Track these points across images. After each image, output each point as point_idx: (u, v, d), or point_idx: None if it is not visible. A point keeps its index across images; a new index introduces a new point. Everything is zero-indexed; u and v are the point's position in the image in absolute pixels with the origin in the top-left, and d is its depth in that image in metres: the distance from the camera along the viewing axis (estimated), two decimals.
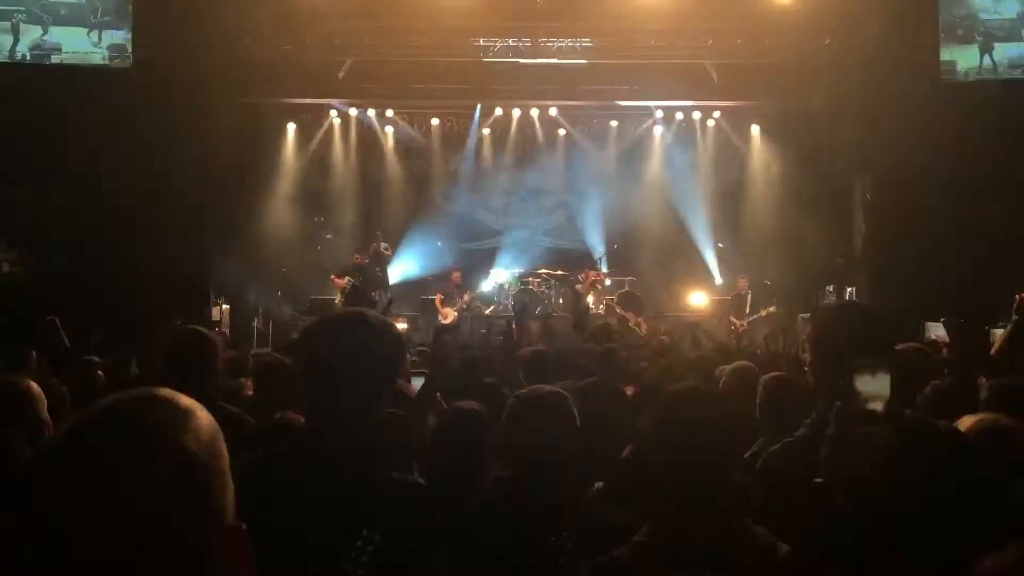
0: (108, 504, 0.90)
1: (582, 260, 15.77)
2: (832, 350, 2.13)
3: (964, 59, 12.92)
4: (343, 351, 1.86)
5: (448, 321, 13.59)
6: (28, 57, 12.74)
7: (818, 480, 1.70)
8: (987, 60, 12.88)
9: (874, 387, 1.69)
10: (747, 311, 13.48)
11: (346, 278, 13.61)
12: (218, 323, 13.32)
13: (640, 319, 12.89)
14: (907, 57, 12.79)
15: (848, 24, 13.08)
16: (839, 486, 1.67)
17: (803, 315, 14.12)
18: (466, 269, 15.65)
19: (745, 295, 13.68)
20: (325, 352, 1.87)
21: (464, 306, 14.04)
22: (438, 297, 13.99)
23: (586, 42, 14.05)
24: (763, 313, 13.23)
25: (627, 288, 13.61)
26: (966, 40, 12.92)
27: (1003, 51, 12.88)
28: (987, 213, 12.50)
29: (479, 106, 15.79)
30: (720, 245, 15.76)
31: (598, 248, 15.84)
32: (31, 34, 12.73)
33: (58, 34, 12.77)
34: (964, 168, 12.00)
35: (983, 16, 12.94)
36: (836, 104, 13.83)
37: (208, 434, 0.99)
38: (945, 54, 12.92)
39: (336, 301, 13.29)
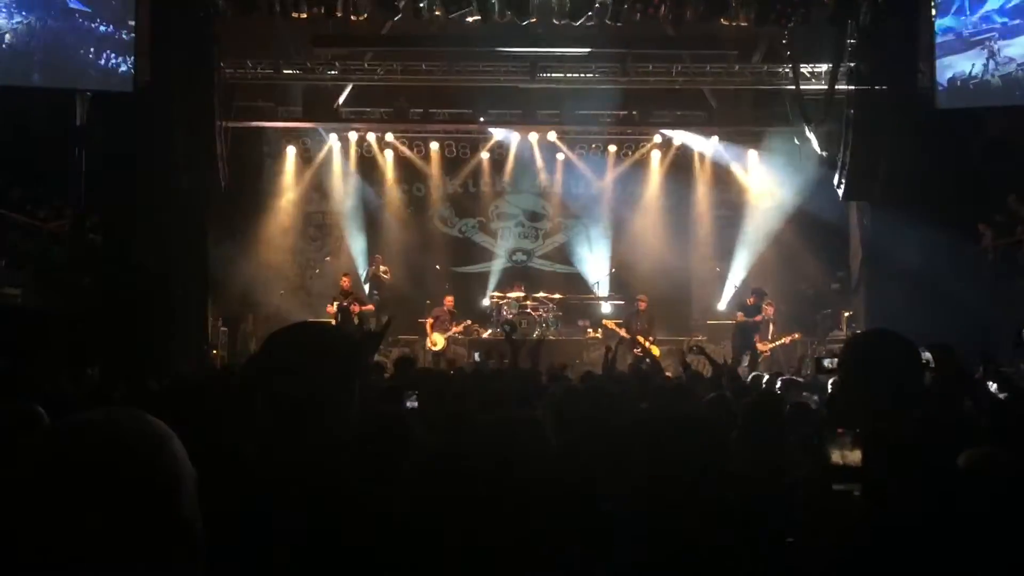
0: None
1: (579, 284, 15.87)
2: (863, 381, 2.18)
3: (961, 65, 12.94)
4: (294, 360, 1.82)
5: (436, 348, 13.56)
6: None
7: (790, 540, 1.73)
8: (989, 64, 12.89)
9: (849, 459, 1.73)
10: (771, 336, 13.26)
11: (335, 303, 13.60)
12: (216, 346, 13.36)
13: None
14: (903, 84, 12.93)
15: (845, 51, 13.22)
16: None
17: (802, 339, 14.23)
18: (463, 292, 15.72)
19: (770, 320, 13.39)
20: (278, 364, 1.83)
21: (454, 335, 14.04)
22: (429, 321, 13.98)
23: (586, 68, 14.16)
24: (787, 340, 13.13)
25: (639, 309, 13.64)
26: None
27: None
28: (981, 239, 12.61)
29: (477, 130, 15.91)
30: (717, 269, 15.83)
31: (595, 273, 15.92)
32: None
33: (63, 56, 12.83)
34: (959, 194, 12.11)
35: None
36: (832, 130, 13.96)
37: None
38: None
39: None
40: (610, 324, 13.70)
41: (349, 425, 1.83)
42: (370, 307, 13.93)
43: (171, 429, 1.11)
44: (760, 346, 13.02)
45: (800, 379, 7.60)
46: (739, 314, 13.53)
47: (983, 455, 2.44)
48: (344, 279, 14.09)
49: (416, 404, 4.27)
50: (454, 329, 14.00)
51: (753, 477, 2.72)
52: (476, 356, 13.27)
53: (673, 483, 1.96)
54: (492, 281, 16.03)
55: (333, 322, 13.24)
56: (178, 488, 1.06)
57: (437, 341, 13.69)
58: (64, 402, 4.57)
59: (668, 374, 8.34)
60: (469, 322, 14.42)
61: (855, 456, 1.79)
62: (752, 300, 13.45)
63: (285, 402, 1.76)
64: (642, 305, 13.79)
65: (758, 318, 13.21)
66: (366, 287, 14.80)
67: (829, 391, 5.16)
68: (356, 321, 13.27)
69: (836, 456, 1.79)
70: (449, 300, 14.33)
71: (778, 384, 6.67)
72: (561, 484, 1.88)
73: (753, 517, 2.06)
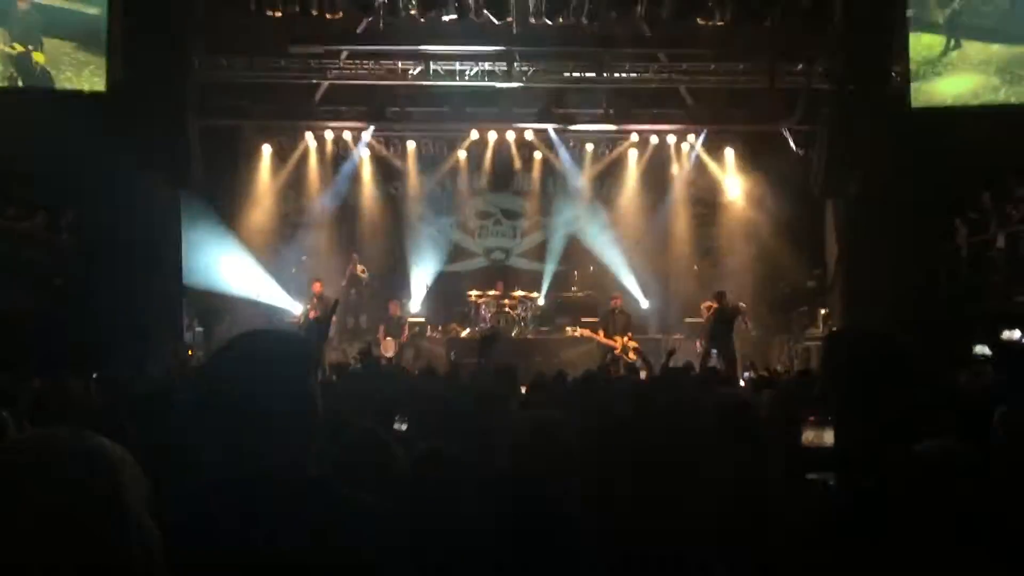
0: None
1: (558, 282, 15.88)
2: (849, 381, 2.20)
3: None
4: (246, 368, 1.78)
5: (389, 353, 13.45)
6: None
7: None
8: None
9: (821, 440, 1.74)
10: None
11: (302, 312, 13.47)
12: (192, 347, 13.24)
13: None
14: (878, 84, 13.04)
15: (820, 51, 13.32)
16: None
17: (779, 337, 14.32)
18: (441, 291, 15.69)
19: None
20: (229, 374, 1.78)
21: (412, 335, 13.96)
22: (381, 328, 13.86)
23: (563, 67, 14.16)
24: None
25: (613, 308, 13.65)
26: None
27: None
28: (955, 235, 12.75)
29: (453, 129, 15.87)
30: (695, 267, 15.89)
31: (572, 271, 15.96)
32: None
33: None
34: (933, 192, 12.22)
35: None
36: (808, 128, 14.06)
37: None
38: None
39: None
40: (585, 331, 13.67)
41: (306, 438, 1.77)
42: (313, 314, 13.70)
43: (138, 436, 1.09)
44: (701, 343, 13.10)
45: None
46: (703, 307, 13.52)
47: (942, 446, 2.46)
48: (316, 284, 13.96)
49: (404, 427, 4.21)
50: (405, 331, 13.92)
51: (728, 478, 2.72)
52: (452, 356, 13.27)
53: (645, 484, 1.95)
54: (470, 280, 15.98)
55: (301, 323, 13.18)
56: (124, 506, 1.03)
57: (390, 346, 13.59)
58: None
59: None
60: (420, 319, 14.37)
61: (828, 437, 1.80)
62: (718, 303, 13.43)
63: (234, 414, 1.72)
64: (616, 303, 13.80)
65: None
66: (343, 286, 14.71)
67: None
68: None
69: (809, 436, 1.80)
70: (393, 304, 14.18)
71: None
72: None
73: (730, 517, 2.05)
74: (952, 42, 13.21)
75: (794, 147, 13.97)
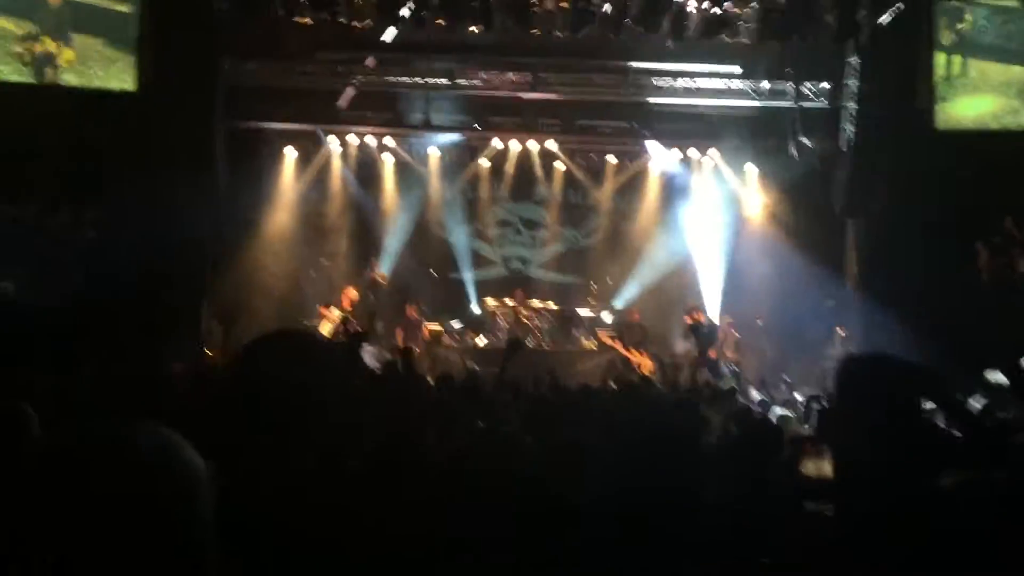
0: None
1: (576, 293, 15.87)
2: (865, 405, 2.20)
3: None
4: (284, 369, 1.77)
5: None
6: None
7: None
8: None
9: (822, 471, 1.75)
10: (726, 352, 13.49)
11: (335, 312, 13.47)
12: (211, 346, 13.33)
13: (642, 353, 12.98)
14: (901, 103, 13.00)
15: (845, 69, 13.30)
16: None
17: (795, 355, 14.25)
18: (459, 299, 15.71)
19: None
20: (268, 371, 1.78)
21: (427, 341, 13.95)
22: (399, 333, 13.87)
23: (586, 79, 14.20)
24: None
25: (631, 321, 13.67)
26: None
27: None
28: (977, 259, 12.67)
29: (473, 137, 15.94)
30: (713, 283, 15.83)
31: (592, 283, 15.93)
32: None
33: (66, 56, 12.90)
34: (955, 213, 12.16)
35: None
36: (830, 146, 14.02)
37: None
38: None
39: (324, 331, 13.27)
40: (604, 337, 13.66)
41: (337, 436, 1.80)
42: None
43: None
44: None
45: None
46: (688, 317, 13.56)
47: (963, 478, 2.46)
48: (350, 290, 13.93)
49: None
50: (426, 334, 13.91)
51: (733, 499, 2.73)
52: (468, 364, 13.27)
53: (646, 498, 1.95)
54: (488, 288, 15.99)
55: (330, 328, 13.20)
56: (192, 501, 1.04)
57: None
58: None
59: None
60: (435, 326, 14.36)
61: (826, 468, 1.81)
62: (699, 318, 13.42)
63: (269, 410, 1.71)
64: (635, 317, 13.79)
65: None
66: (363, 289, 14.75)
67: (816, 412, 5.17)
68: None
69: (810, 468, 1.81)
70: (411, 309, 14.16)
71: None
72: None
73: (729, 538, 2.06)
74: (963, 63, 13.18)
75: (817, 165, 13.92)
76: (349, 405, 1.80)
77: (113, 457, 1.01)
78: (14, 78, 12.76)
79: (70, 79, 12.92)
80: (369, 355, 12.62)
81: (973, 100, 13.23)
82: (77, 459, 1.01)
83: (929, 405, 2.76)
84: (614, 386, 10.01)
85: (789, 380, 12.75)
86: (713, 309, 15.09)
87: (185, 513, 1.04)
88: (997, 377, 8.60)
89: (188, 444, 1.08)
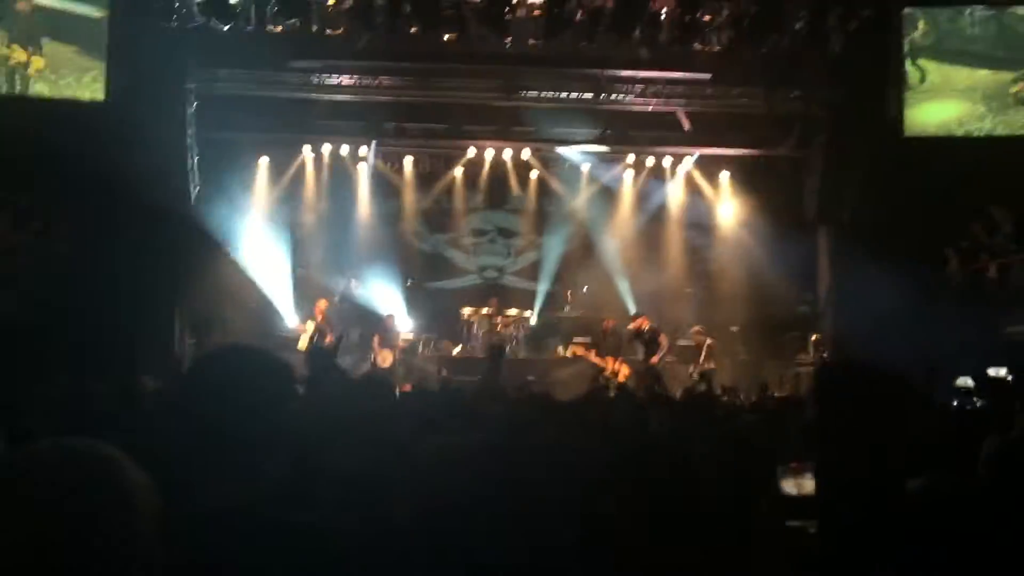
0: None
1: (551, 302, 15.88)
2: (840, 412, 2.21)
3: None
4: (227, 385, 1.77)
5: (386, 364, 13.40)
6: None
7: None
8: None
9: (803, 488, 1.75)
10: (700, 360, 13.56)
11: (309, 324, 13.37)
12: (183, 359, 13.20)
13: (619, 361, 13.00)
14: (871, 109, 13.15)
15: (817, 77, 13.42)
16: None
17: (769, 361, 14.34)
18: (434, 308, 15.67)
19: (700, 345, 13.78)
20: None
21: (402, 349, 13.91)
22: (375, 339, 13.80)
23: (561, 87, 14.24)
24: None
25: (605, 329, 13.68)
26: None
27: None
28: (947, 264, 12.83)
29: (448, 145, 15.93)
30: (688, 290, 15.91)
31: (566, 291, 15.96)
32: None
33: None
34: (925, 220, 12.30)
35: None
36: (802, 154, 14.16)
37: None
38: None
39: (300, 344, 13.18)
40: (578, 349, 13.65)
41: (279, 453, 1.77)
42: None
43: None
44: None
45: None
46: (633, 324, 13.64)
47: (933, 481, 2.47)
48: (321, 302, 13.85)
49: None
50: (400, 344, 13.88)
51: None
52: (442, 373, 13.25)
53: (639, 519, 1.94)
54: (463, 297, 15.97)
55: (305, 339, 13.11)
56: (135, 518, 1.05)
57: (387, 357, 13.55)
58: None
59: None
60: (413, 336, 14.33)
61: (808, 486, 1.80)
62: (644, 324, 13.48)
63: (210, 428, 1.71)
64: (609, 324, 13.82)
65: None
66: (336, 300, 14.66)
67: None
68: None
69: (789, 486, 1.80)
70: (390, 318, 14.09)
71: None
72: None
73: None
74: (932, 67, 13.31)
75: (788, 172, 14.05)
76: (312, 420, 1.79)
77: (57, 475, 1.03)
78: None
79: (41, 89, 12.77)
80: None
81: (937, 106, 13.37)
82: (23, 477, 1.03)
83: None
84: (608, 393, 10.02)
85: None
86: (687, 317, 15.20)
87: (126, 528, 1.04)
88: (964, 381, 8.71)
89: (129, 460, 1.09)
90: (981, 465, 3.39)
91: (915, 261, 12.19)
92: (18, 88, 12.74)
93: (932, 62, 13.35)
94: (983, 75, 13.32)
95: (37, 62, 12.69)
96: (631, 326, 13.70)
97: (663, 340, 13.20)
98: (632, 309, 14.50)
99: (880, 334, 11.60)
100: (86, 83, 12.70)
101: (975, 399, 7.56)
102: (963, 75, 13.38)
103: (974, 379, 8.45)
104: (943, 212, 12.26)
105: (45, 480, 1.02)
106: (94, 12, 12.74)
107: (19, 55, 12.63)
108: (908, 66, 13.26)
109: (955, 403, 7.28)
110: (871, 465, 2.11)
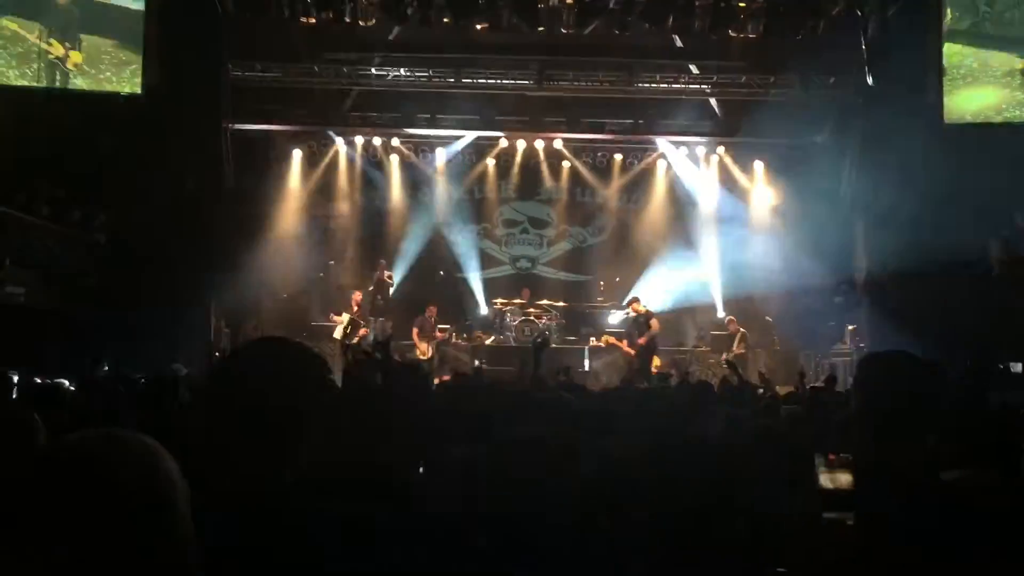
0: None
1: (583, 292, 15.84)
2: (878, 409, 2.18)
3: None
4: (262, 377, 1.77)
5: (424, 356, 13.43)
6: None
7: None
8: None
9: (839, 482, 1.72)
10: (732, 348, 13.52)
11: (344, 316, 13.47)
12: (219, 348, 13.34)
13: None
14: (911, 98, 12.92)
15: (853, 63, 13.22)
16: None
17: (805, 351, 14.18)
18: (467, 298, 15.70)
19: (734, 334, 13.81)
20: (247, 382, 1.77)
21: (439, 341, 13.91)
22: (415, 331, 13.86)
23: (593, 76, 14.18)
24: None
25: (632, 316, 13.56)
26: None
27: None
28: (987, 253, 12.58)
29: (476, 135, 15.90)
30: (720, 279, 15.77)
31: (599, 281, 15.90)
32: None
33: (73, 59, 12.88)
34: (965, 208, 12.07)
35: None
36: (838, 141, 13.95)
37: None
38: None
39: (335, 334, 13.30)
40: (610, 339, 13.57)
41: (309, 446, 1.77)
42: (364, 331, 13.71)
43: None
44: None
45: None
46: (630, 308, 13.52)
47: (968, 478, 2.42)
48: (356, 294, 13.95)
49: None
50: (439, 335, 13.91)
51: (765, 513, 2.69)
52: (476, 363, 13.27)
53: (680, 514, 1.92)
54: (495, 287, 15.98)
55: (340, 330, 13.23)
56: (173, 506, 1.07)
57: (425, 350, 13.59)
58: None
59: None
60: (449, 327, 14.34)
61: (846, 479, 1.78)
62: (637, 308, 13.30)
63: (246, 418, 1.71)
64: (636, 310, 13.72)
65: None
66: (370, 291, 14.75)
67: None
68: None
69: (825, 480, 1.77)
70: (432, 309, 14.06)
71: None
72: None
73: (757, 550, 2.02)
74: (970, 52, 13.02)
75: (824, 160, 13.86)
76: (336, 413, 1.80)
77: (96, 467, 1.05)
78: (22, 83, 12.76)
79: (79, 83, 12.89)
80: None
81: (975, 92, 13.10)
82: (65, 470, 1.05)
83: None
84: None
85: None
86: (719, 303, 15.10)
87: (163, 519, 1.06)
88: (1016, 367, 8.55)
89: (166, 452, 1.11)
90: None
91: (955, 250, 11.97)
92: (58, 82, 12.87)
93: (970, 47, 13.08)
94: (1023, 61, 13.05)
95: (75, 56, 12.81)
96: (631, 310, 13.54)
97: (654, 324, 13.02)
98: (662, 302, 14.41)
99: (919, 324, 11.44)
100: (126, 77, 12.77)
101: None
102: (1001, 60, 13.09)
103: None
104: (984, 200, 12.02)
105: (87, 470, 1.03)
106: (132, 4, 12.79)
107: (57, 49, 12.73)
108: (947, 51, 13.00)
109: (998, 395, 7.14)
110: (911, 457, 2.07)
